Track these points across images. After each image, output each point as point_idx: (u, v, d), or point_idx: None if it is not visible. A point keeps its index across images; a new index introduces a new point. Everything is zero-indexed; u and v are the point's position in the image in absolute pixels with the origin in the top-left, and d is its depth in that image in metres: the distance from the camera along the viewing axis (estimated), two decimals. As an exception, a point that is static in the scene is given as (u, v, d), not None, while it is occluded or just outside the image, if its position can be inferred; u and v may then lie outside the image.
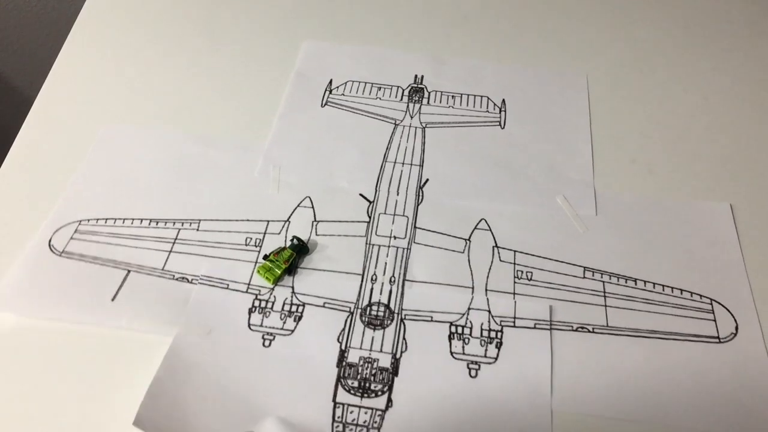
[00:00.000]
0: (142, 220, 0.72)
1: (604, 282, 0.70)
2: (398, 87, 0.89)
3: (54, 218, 0.72)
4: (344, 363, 0.62)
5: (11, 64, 1.52)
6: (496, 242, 0.72)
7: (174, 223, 0.72)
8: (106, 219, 0.72)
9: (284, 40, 0.95)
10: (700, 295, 0.69)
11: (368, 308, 0.66)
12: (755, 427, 0.60)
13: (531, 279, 0.70)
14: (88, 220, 0.72)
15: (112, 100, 0.85)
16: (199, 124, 0.83)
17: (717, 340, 0.66)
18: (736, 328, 0.67)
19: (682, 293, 0.69)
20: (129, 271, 0.68)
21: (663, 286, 0.70)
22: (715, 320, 0.67)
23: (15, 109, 1.55)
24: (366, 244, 0.71)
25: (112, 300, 0.66)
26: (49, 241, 0.70)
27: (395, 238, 0.72)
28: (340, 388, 0.61)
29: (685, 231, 0.74)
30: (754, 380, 0.63)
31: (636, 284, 0.70)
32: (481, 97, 0.89)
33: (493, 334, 0.65)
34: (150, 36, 0.94)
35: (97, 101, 0.85)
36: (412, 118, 0.85)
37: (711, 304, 0.68)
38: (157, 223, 0.72)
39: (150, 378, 0.60)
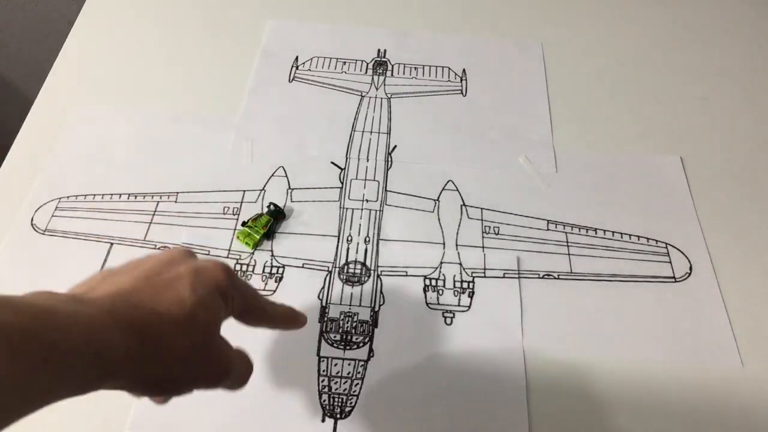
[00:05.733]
0: (120, 194, 0.74)
1: (566, 233, 0.74)
2: (362, 61, 0.92)
3: (34, 196, 0.73)
4: (326, 318, 0.65)
5: (11, 64, 1.52)
6: (463, 201, 0.76)
7: (152, 196, 0.74)
8: (86, 195, 0.74)
9: (249, 19, 0.97)
10: (656, 240, 0.74)
11: (345, 266, 0.69)
12: (710, 355, 0.65)
13: (498, 233, 0.73)
14: (68, 197, 0.73)
15: (84, 81, 0.87)
16: (172, 102, 0.85)
17: (673, 280, 0.70)
18: (690, 268, 0.71)
19: (639, 239, 0.74)
20: (112, 244, 0.70)
21: (621, 233, 0.74)
22: (670, 262, 0.72)
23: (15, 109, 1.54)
24: (340, 208, 0.74)
25: (97, 275, 0.67)
26: (31, 219, 0.71)
27: (368, 201, 0.75)
28: (323, 342, 0.64)
29: (639, 182, 0.79)
30: (708, 314, 0.68)
31: (596, 233, 0.74)
32: (443, 67, 0.92)
33: (465, 285, 0.69)
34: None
35: (69, 82, 0.86)
36: (377, 89, 0.88)
37: (666, 247, 0.73)
38: (136, 197, 0.74)
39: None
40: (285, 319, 0.52)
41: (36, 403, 0.32)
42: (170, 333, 0.39)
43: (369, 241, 0.72)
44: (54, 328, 0.33)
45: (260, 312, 0.49)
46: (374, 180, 0.77)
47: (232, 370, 0.44)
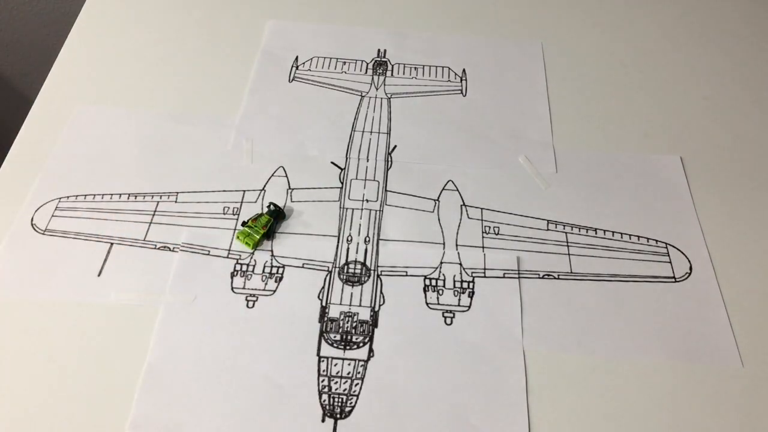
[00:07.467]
0: (121, 194, 0.74)
1: (566, 233, 0.74)
2: (362, 61, 0.92)
3: (34, 196, 0.73)
4: (326, 318, 0.65)
5: (11, 64, 1.52)
6: (463, 201, 0.76)
7: (152, 196, 0.74)
8: (86, 195, 0.74)
9: (249, 19, 0.97)
10: (656, 240, 0.74)
11: (345, 266, 0.69)
12: (710, 355, 0.65)
13: (498, 233, 0.73)
14: (68, 197, 0.73)
15: (84, 81, 0.87)
16: (172, 102, 0.85)
17: (673, 280, 0.70)
18: (690, 268, 0.71)
19: (639, 239, 0.74)
20: (112, 244, 0.70)
21: (621, 233, 0.74)
22: (670, 262, 0.72)
23: (15, 109, 1.54)
24: (340, 208, 0.74)
25: (98, 275, 0.67)
26: (31, 219, 0.71)
27: (368, 201, 0.75)
28: (323, 342, 0.64)
29: (639, 182, 0.79)
30: (708, 314, 0.68)
31: (596, 233, 0.74)
32: (443, 67, 0.92)
33: (465, 285, 0.69)
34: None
35: (69, 82, 0.86)
36: (377, 89, 0.88)
37: (666, 247, 0.73)
38: (136, 197, 0.74)
39: (143, 350, 0.62)
40: None
41: None
42: None
43: (369, 241, 0.72)
44: None
45: None
46: (374, 180, 0.77)
47: None
